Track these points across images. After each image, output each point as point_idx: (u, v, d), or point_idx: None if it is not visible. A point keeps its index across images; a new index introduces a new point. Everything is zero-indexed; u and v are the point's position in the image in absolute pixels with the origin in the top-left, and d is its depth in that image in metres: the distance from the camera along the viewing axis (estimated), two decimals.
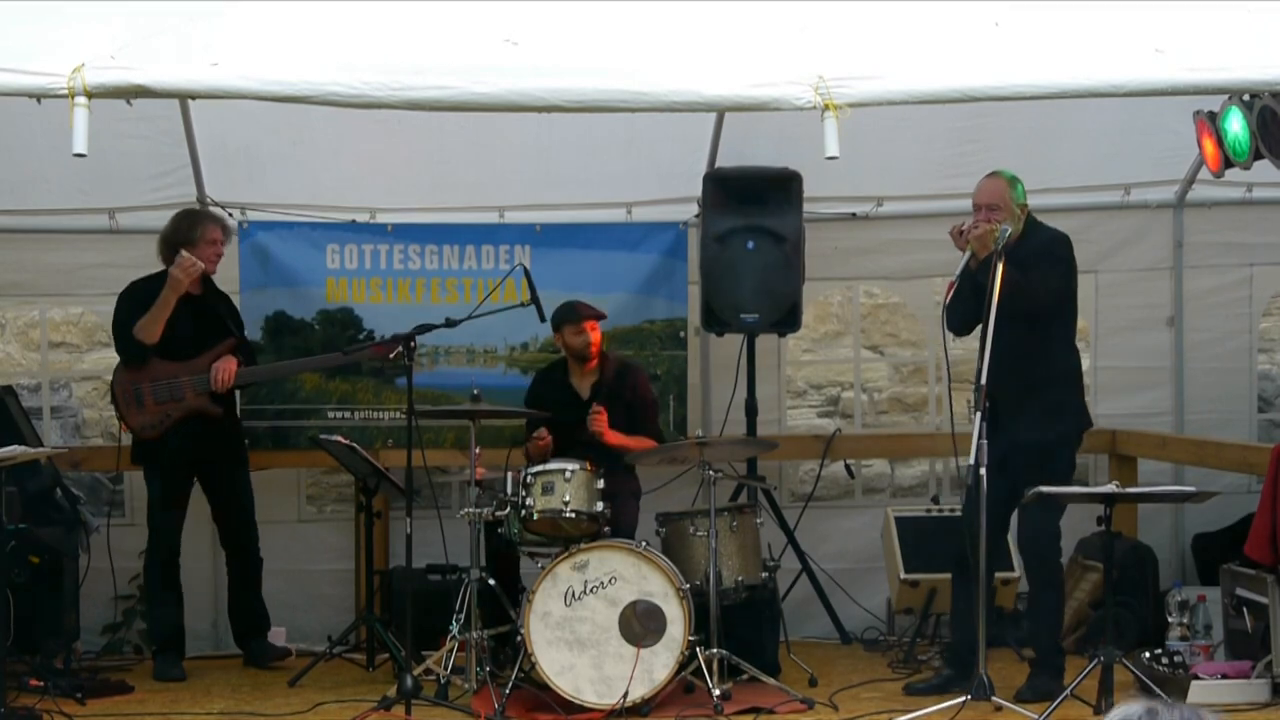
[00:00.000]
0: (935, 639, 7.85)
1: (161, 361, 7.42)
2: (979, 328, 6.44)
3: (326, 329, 8.17)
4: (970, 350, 6.92)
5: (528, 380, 7.94)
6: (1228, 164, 7.21)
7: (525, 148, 7.79)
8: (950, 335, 6.74)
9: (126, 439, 7.62)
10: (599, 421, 7.30)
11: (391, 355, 7.05)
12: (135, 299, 7.44)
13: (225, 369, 7.43)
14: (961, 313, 6.66)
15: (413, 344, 6.96)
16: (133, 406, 7.45)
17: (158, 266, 7.69)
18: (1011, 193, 6.63)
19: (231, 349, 7.52)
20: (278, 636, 7.83)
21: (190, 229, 7.48)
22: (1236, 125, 6.99)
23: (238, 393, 7.72)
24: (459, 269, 8.24)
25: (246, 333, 7.95)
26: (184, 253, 7.27)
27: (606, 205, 8.33)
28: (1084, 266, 6.92)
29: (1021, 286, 6.45)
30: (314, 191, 8.18)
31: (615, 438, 7.35)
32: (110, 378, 7.56)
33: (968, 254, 6.49)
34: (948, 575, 7.56)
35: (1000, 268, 6.37)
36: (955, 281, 6.46)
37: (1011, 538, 7.07)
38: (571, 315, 7.49)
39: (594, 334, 7.49)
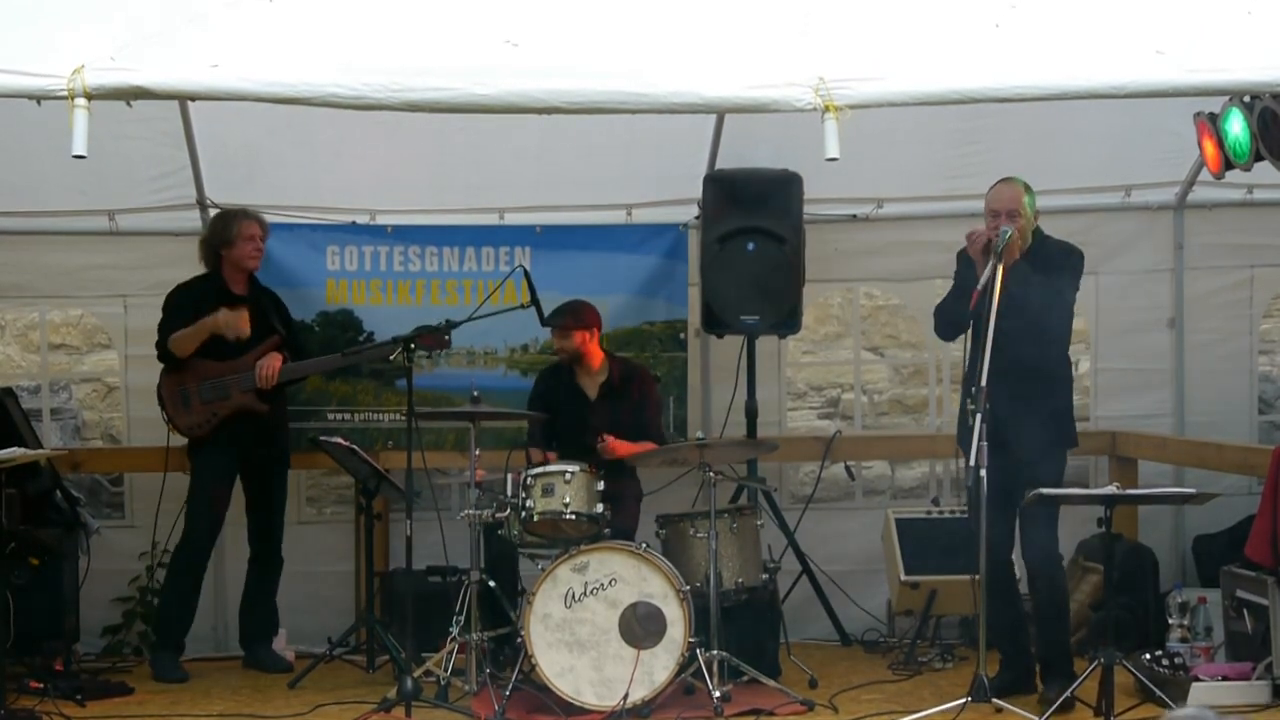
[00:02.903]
0: (935, 640, 7.85)
1: (206, 361, 7.47)
2: (969, 331, 6.46)
3: (326, 330, 8.17)
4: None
5: (528, 382, 7.94)
6: (1228, 165, 7.22)
7: (525, 149, 7.79)
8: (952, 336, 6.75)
9: (175, 440, 7.62)
10: (611, 449, 7.26)
11: (438, 348, 7.05)
12: (179, 306, 7.51)
13: (270, 366, 7.46)
14: (951, 319, 6.69)
15: (448, 338, 7.01)
16: (180, 408, 7.49)
17: (157, 268, 7.75)
18: (1027, 200, 6.62)
19: (276, 346, 7.54)
20: (279, 639, 7.82)
21: (227, 229, 7.57)
22: (1237, 127, 7.00)
23: (285, 390, 7.72)
24: (459, 270, 8.24)
25: None
26: (241, 318, 7.38)
27: (606, 207, 8.33)
28: (1085, 268, 6.90)
29: (1035, 291, 6.47)
30: (314, 193, 8.19)
31: (625, 449, 7.33)
32: (110, 379, 7.57)
33: (990, 263, 6.43)
34: (948, 577, 7.58)
35: (1000, 270, 6.36)
36: (979, 290, 6.40)
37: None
38: (554, 320, 7.49)
39: (573, 341, 7.46)
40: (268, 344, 7.55)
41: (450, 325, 7.15)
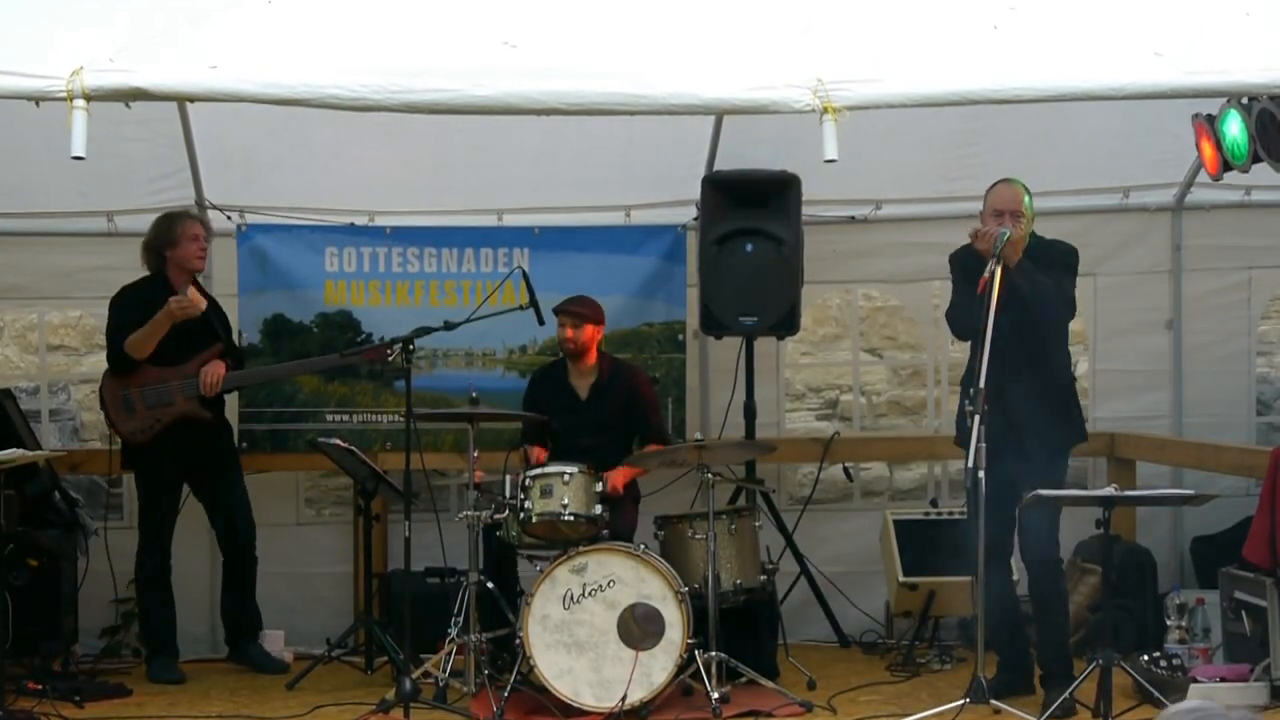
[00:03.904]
0: (934, 642, 7.85)
1: (150, 366, 7.43)
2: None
3: (325, 331, 8.16)
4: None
5: (526, 383, 7.93)
6: (1226, 167, 7.22)
7: (524, 150, 7.78)
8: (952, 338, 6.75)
9: (118, 443, 7.62)
10: (613, 487, 7.22)
11: (390, 358, 7.05)
12: (126, 306, 7.45)
13: (213, 373, 7.44)
14: (963, 315, 6.69)
15: (412, 347, 6.95)
16: (122, 412, 7.46)
17: None
18: (1027, 201, 6.62)
19: (220, 353, 7.52)
20: (277, 640, 7.83)
21: (170, 230, 7.51)
22: (1235, 128, 7.00)
23: (226, 397, 7.70)
24: (457, 272, 8.24)
25: (245, 336, 8.00)
26: (191, 291, 7.32)
27: (605, 208, 8.33)
28: (1083, 269, 6.91)
29: (1042, 286, 6.48)
30: (313, 194, 8.18)
31: (625, 478, 7.32)
32: None
33: (990, 264, 6.42)
34: (946, 578, 7.58)
35: (999, 272, 6.37)
36: (985, 277, 6.40)
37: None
38: (570, 306, 7.52)
39: (585, 333, 7.47)
40: (211, 351, 7.51)
41: (449, 326, 7.15)
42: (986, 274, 6.36)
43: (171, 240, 7.47)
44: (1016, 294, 6.39)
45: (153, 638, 7.58)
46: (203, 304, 7.34)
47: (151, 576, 7.54)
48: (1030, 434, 6.53)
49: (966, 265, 6.68)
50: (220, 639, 8.02)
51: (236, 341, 7.88)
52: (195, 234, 7.51)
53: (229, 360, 7.56)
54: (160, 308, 7.32)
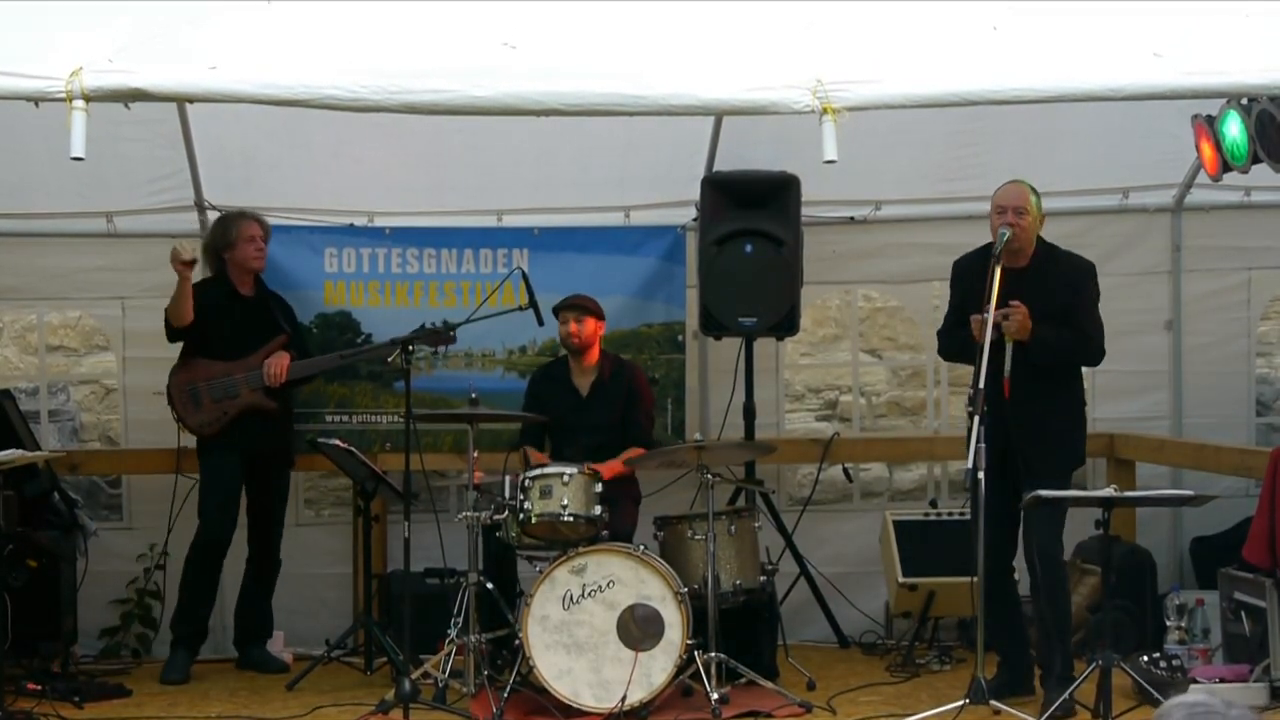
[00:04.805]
0: (933, 642, 7.85)
1: (215, 361, 7.52)
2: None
3: (325, 332, 8.16)
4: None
5: (526, 384, 7.93)
6: (1225, 168, 7.23)
7: (523, 151, 7.79)
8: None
9: (187, 440, 7.66)
10: (604, 470, 7.25)
11: (443, 344, 7.16)
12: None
13: (278, 364, 7.52)
14: (953, 346, 6.85)
15: (453, 334, 7.10)
16: (190, 406, 7.53)
17: (155, 270, 7.76)
18: (1033, 200, 6.62)
19: (284, 344, 7.60)
20: (276, 641, 7.83)
21: (226, 232, 7.63)
22: (1234, 129, 7.01)
23: (291, 391, 7.75)
24: (457, 273, 8.24)
25: None
26: (177, 248, 7.32)
27: (604, 209, 8.33)
28: None
29: (1064, 351, 6.59)
30: (312, 195, 8.19)
31: (614, 470, 7.31)
32: (108, 381, 7.56)
33: (989, 265, 6.43)
34: (946, 579, 7.58)
35: (998, 272, 6.37)
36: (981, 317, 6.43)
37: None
38: (572, 300, 7.54)
39: (588, 327, 7.49)
40: (275, 343, 7.60)
41: (449, 327, 7.16)
42: (984, 315, 6.37)
43: (229, 242, 7.60)
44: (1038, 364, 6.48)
45: (187, 629, 7.56)
46: (189, 254, 7.30)
47: (205, 569, 7.56)
48: (1035, 457, 6.54)
49: (964, 282, 6.71)
50: (219, 639, 8.02)
51: None
52: (252, 235, 7.61)
53: (294, 352, 7.62)
54: (222, 307, 7.50)
